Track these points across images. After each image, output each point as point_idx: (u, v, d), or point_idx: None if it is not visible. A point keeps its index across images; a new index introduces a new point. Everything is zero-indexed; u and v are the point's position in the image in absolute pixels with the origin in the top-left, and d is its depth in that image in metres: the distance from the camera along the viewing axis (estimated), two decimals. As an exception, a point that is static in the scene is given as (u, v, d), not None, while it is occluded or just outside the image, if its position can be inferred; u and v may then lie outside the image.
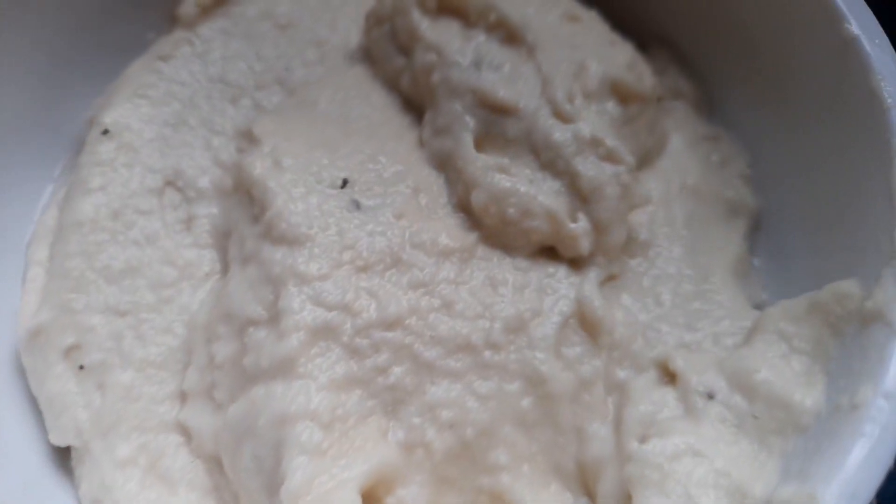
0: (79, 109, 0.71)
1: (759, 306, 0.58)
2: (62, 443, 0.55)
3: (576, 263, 0.58)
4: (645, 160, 0.64)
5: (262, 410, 0.50)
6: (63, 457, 0.58)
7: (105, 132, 0.63)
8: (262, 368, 0.51)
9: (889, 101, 0.51)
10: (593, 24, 0.67)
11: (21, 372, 0.60)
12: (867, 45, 0.53)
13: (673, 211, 0.61)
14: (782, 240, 0.62)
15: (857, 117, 0.53)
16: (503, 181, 0.56)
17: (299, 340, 0.51)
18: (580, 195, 0.57)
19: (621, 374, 0.55)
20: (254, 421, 0.50)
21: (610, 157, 0.57)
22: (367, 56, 0.70)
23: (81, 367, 0.55)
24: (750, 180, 0.64)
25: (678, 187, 0.63)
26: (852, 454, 0.40)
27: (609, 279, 0.58)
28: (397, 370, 0.52)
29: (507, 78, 0.60)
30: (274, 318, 0.52)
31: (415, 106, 0.65)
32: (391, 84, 0.67)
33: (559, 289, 0.56)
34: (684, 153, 0.65)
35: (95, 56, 0.72)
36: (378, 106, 0.65)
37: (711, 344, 0.55)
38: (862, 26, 0.54)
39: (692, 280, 0.59)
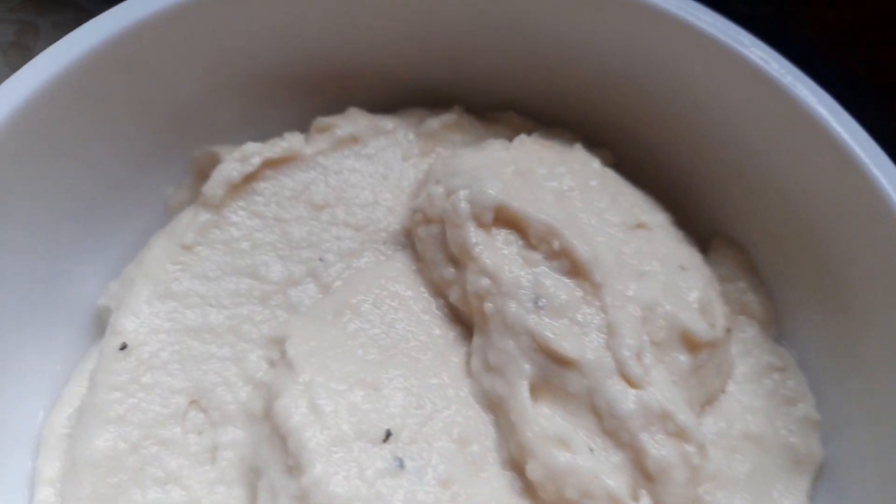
0: (91, 279, 0.65)
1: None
2: None
3: (633, 538, 0.54)
4: (707, 399, 0.59)
5: None
6: None
7: (123, 347, 0.57)
8: None
9: None
10: (660, 234, 0.61)
11: None
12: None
13: (734, 466, 0.57)
14: (845, 494, 0.58)
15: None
16: (562, 457, 0.52)
17: None
18: (645, 473, 0.52)
19: None
20: None
21: (680, 434, 0.52)
22: (410, 244, 0.64)
23: None
24: (818, 425, 0.60)
25: (741, 435, 0.58)
26: None
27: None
28: None
29: (569, 323, 0.54)
30: None
31: (462, 318, 0.60)
32: (436, 289, 0.61)
33: (615, 574, 0.52)
34: (750, 389, 0.60)
35: (109, 217, 0.65)
36: (422, 319, 0.60)
37: None
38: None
39: (753, 557, 0.55)
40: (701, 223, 0.64)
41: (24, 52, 0.92)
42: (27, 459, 0.61)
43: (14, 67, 0.65)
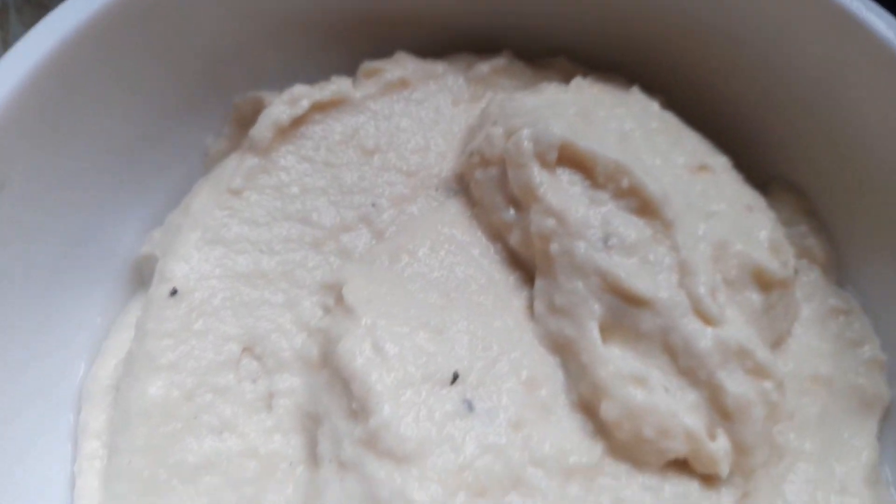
0: (130, 231, 0.63)
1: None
2: None
3: (709, 479, 0.52)
4: (775, 341, 0.58)
5: None
6: None
7: (173, 293, 0.54)
8: None
9: None
10: (724, 176, 0.59)
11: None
12: None
13: (805, 409, 0.56)
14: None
15: None
16: (639, 395, 0.50)
17: (417, 591, 0.45)
18: (722, 411, 0.51)
19: None
20: None
21: (758, 371, 0.51)
22: (465, 189, 0.62)
23: (157, 588, 0.49)
24: (884, 366, 0.59)
25: (810, 378, 0.57)
26: None
27: (743, 496, 0.53)
28: None
29: (640, 262, 0.53)
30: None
31: (522, 262, 0.58)
32: (494, 233, 0.59)
33: (693, 515, 0.51)
34: (816, 331, 0.59)
35: (148, 167, 0.63)
36: (481, 262, 0.58)
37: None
38: None
39: (827, 495, 0.54)
40: (758, 168, 0.63)
41: (38, 10, 0.89)
42: (69, 413, 0.59)
43: (28, 26, 0.63)
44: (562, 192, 0.55)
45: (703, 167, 0.59)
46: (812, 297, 0.61)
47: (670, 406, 0.50)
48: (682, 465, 0.53)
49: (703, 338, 0.51)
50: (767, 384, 0.51)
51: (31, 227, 0.56)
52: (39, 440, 0.56)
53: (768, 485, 0.53)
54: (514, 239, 0.57)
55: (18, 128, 0.52)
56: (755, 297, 0.54)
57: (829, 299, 0.61)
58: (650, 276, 0.52)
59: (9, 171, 0.52)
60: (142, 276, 0.62)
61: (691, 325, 0.51)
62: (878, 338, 0.60)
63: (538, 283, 0.56)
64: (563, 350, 0.54)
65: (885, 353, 0.59)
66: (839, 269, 0.62)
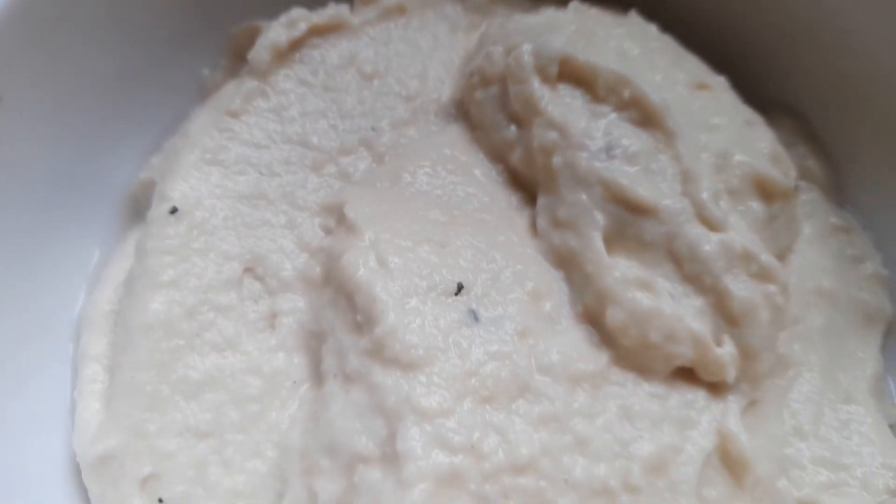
0: (126, 162, 0.62)
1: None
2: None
3: (716, 388, 0.52)
4: (778, 255, 0.57)
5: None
6: None
7: (173, 211, 0.54)
8: (380, 519, 0.45)
9: None
10: (723, 95, 0.59)
11: (76, 473, 0.53)
12: None
13: (810, 320, 0.56)
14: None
15: None
16: (645, 300, 0.50)
17: (424, 491, 0.45)
18: (728, 316, 0.51)
19: (766, 517, 0.50)
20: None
21: (763, 275, 0.51)
22: (464, 114, 0.61)
23: (161, 502, 0.48)
24: (887, 282, 0.59)
25: (814, 291, 0.57)
26: None
27: (749, 405, 0.53)
28: (529, 521, 0.47)
29: (643, 171, 0.53)
30: (389, 457, 0.46)
31: (523, 182, 0.58)
32: (495, 154, 0.59)
33: (700, 420, 0.51)
34: (817, 247, 0.59)
35: (144, 99, 0.62)
36: (482, 182, 0.58)
37: (860, 487, 0.50)
38: None
39: (833, 404, 0.54)
40: (757, 93, 0.63)
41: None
42: (68, 344, 0.58)
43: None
44: (563, 105, 0.55)
45: (702, 85, 0.59)
46: (813, 216, 0.61)
47: (676, 311, 0.50)
48: (688, 375, 0.52)
49: (708, 242, 0.51)
50: (772, 287, 0.51)
51: (27, 153, 0.56)
52: (40, 371, 0.56)
53: (774, 394, 0.53)
54: (516, 157, 0.57)
55: (13, 44, 0.52)
56: (757, 206, 0.54)
57: (830, 218, 0.61)
58: (653, 185, 0.52)
59: (6, 86, 0.52)
60: (139, 206, 0.61)
61: (695, 231, 0.51)
62: (880, 254, 0.60)
63: (541, 199, 0.56)
64: (568, 263, 0.54)
65: (886, 269, 0.60)
66: (839, 189, 0.62)
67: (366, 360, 0.49)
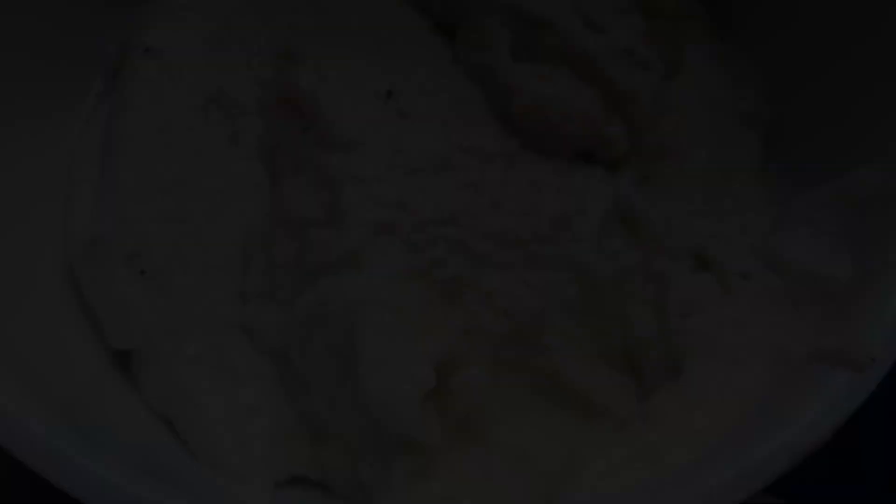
0: (105, 28, 0.71)
1: (781, 203, 0.63)
2: (127, 346, 0.56)
3: (612, 166, 0.61)
4: (664, 75, 0.67)
5: (332, 299, 0.52)
6: (122, 366, 0.59)
7: (147, 50, 0.63)
8: (327, 262, 0.54)
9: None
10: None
11: (70, 287, 0.61)
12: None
13: (695, 119, 0.65)
14: (798, 147, 0.66)
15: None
16: (545, 87, 0.60)
17: (363, 235, 0.54)
18: (615, 101, 0.60)
19: (659, 264, 0.58)
20: (324, 309, 0.53)
21: (642, 64, 0.61)
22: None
23: (143, 273, 0.57)
24: (764, 92, 0.69)
25: (698, 98, 0.66)
26: (891, 300, 0.45)
27: (643, 180, 0.62)
28: (453, 263, 0.55)
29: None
30: (334, 216, 0.55)
31: (446, 29, 0.68)
32: (422, 7, 0.69)
33: (598, 188, 0.60)
34: (700, 68, 0.69)
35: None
36: (411, 27, 0.68)
37: (742, 234, 0.59)
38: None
39: (718, 180, 0.62)
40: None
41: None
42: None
43: None
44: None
45: None
46: (696, 46, 0.70)
47: (573, 97, 0.60)
48: (587, 158, 0.62)
49: (594, 41, 0.61)
50: (650, 74, 0.61)
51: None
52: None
53: (664, 172, 0.62)
54: (437, 5, 0.67)
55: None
56: (639, 21, 0.64)
57: (713, 47, 0.71)
58: (549, 4, 0.62)
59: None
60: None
61: (584, 33, 0.61)
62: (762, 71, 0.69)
63: (460, 33, 0.66)
64: (483, 78, 0.63)
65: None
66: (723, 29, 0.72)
67: (310, 149, 0.58)
